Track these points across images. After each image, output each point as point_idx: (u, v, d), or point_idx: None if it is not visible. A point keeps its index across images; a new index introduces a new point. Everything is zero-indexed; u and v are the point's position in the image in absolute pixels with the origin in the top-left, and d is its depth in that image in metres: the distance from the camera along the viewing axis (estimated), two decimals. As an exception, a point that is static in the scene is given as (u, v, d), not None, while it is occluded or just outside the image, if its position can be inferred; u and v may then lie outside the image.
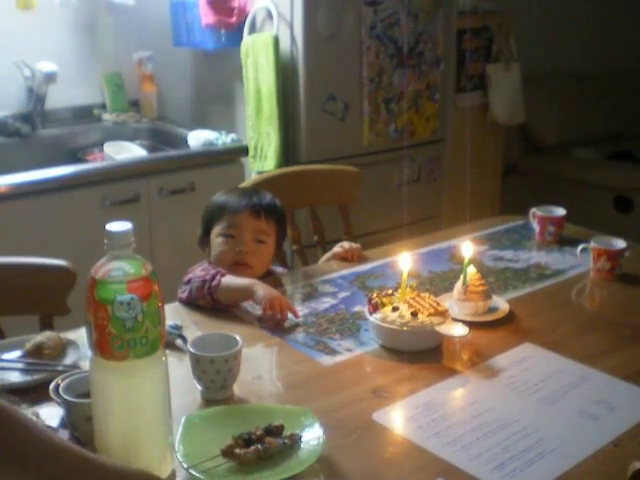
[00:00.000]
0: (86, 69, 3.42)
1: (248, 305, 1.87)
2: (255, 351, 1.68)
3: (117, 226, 1.17)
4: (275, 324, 1.79)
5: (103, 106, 3.47)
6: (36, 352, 1.58)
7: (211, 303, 1.84)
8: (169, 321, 1.65)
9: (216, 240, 2.01)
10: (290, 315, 1.81)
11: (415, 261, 2.01)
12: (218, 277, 1.84)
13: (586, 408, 1.48)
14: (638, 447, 1.37)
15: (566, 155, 4.90)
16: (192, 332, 1.70)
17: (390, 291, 1.77)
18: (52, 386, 1.39)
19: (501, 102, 4.04)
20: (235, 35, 3.25)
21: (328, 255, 2.23)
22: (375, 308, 1.73)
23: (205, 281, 1.84)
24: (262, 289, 1.82)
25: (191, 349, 1.48)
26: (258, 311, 1.84)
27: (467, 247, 1.88)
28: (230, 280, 1.86)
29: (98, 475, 1.06)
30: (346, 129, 3.21)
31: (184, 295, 1.88)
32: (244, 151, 3.21)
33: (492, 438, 1.37)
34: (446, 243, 2.34)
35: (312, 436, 1.31)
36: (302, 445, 1.29)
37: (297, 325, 1.79)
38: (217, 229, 2.01)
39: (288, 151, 3.13)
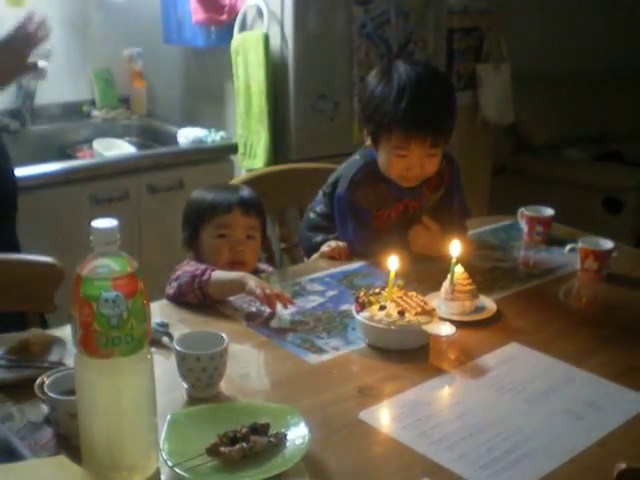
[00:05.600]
0: (76, 65, 3.41)
1: (235, 302, 1.87)
2: (242, 349, 1.68)
3: (103, 223, 1.16)
4: (273, 306, 1.80)
5: (92, 103, 3.46)
6: (21, 349, 1.57)
7: (200, 298, 1.83)
8: (156, 319, 1.65)
9: (209, 241, 2.00)
10: (283, 312, 1.82)
11: (403, 260, 2.01)
12: (208, 272, 1.84)
13: (572, 408, 1.48)
14: (624, 447, 1.37)
15: (555, 155, 4.91)
16: (178, 330, 1.69)
17: (377, 290, 1.77)
18: (37, 383, 1.39)
19: (491, 102, 4.05)
20: (225, 33, 3.25)
21: (316, 256, 2.23)
22: (362, 307, 1.72)
23: (195, 276, 1.83)
24: (253, 280, 1.82)
25: (177, 347, 1.48)
26: (246, 309, 1.84)
27: (455, 246, 1.88)
28: (220, 274, 1.85)
29: None
30: (336, 127, 3.21)
31: (172, 291, 1.86)
32: (234, 149, 3.21)
33: (477, 438, 1.37)
34: (434, 242, 2.33)
35: (297, 435, 1.30)
36: (287, 444, 1.29)
37: (285, 323, 1.79)
38: (208, 230, 2.00)
39: (277, 149, 3.13)
